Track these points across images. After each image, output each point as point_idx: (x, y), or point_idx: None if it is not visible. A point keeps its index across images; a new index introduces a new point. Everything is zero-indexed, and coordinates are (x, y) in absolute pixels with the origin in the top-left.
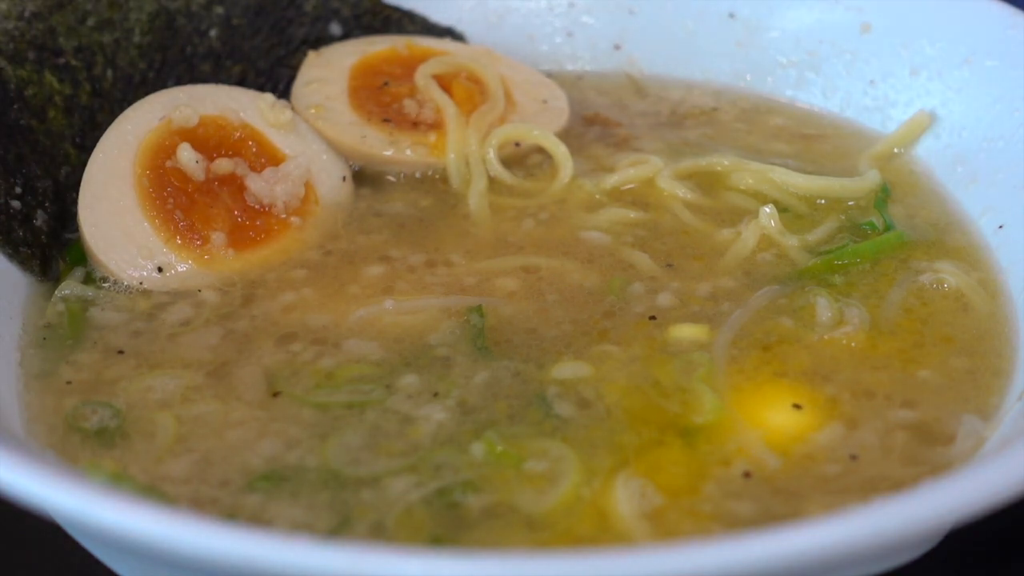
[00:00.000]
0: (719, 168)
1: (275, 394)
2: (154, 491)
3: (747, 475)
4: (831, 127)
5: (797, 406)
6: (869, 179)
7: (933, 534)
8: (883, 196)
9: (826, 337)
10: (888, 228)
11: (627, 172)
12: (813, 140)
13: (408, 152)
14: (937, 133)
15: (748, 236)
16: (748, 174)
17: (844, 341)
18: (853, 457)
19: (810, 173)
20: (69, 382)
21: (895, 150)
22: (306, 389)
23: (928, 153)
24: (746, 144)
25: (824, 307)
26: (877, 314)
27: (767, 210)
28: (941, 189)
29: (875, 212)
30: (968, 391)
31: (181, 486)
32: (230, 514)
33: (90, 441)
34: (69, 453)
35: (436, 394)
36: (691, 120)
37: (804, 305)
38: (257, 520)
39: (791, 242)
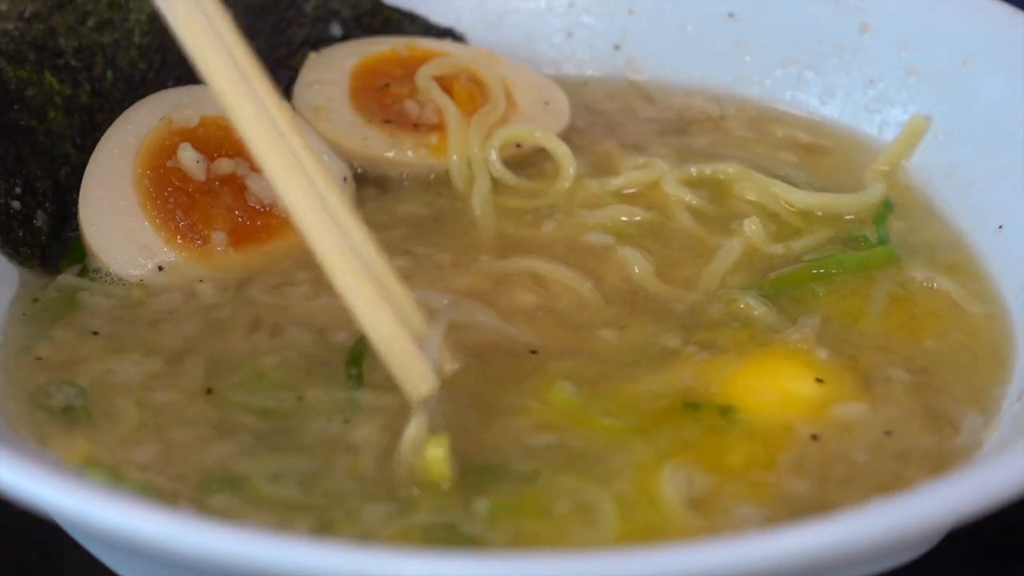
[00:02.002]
0: (723, 176)
1: (208, 391)
2: (120, 477)
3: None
4: (837, 136)
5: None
6: (870, 194)
7: (933, 534)
8: (883, 212)
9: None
10: (883, 242)
11: (632, 175)
12: (819, 152)
13: (410, 154)
14: (936, 133)
15: (732, 246)
16: (750, 184)
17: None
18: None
19: (815, 186)
20: (39, 358)
21: (901, 161)
22: (233, 385)
23: (927, 153)
24: (755, 153)
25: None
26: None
27: (750, 224)
28: (940, 189)
29: (871, 226)
30: (966, 394)
31: (142, 473)
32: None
33: (57, 420)
34: (38, 431)
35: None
36: (697, 127)
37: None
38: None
39: (776, 250)
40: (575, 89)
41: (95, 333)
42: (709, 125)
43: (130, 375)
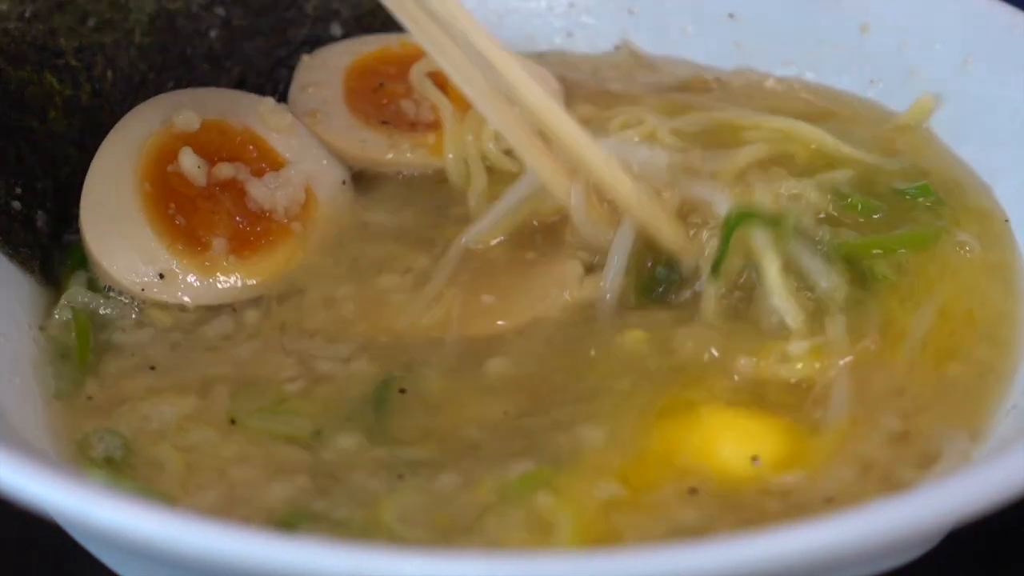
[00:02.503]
0: (730, 123)
1: (232, 421)
2: (120, 477)
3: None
4: (845, 102)
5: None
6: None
7: (933, 534)
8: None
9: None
10: (926, 193)
11: (624, 134)
12: (834, 107)
13: (408, 155)
14: (936, 133)
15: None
16: (766, 132)
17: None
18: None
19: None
20: (90, 397)
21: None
22: (252, 411)
23: None
24: (762, 108)
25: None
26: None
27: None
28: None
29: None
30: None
31: None
32: None
33: (102, 470)
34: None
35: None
36: (699, 86)
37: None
38: None
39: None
40: (575, 64)
41: (135, 370)
42: (711, 85)
43: (167, 419)
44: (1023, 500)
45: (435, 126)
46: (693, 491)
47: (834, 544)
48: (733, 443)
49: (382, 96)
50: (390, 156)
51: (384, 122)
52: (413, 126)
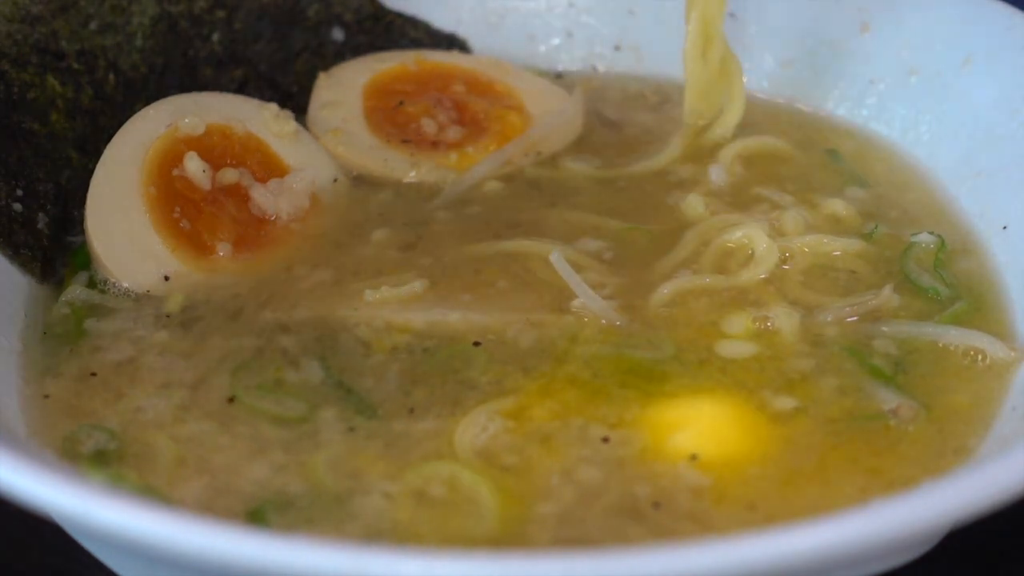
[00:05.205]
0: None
1: (230, 399)
2: (121, 477)
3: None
4: (888, 151)
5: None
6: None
7: (933, 534)
8: (942, 257)
9: None
10: (949, 287)
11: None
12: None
13: (432, 173)
14: (937, 133)
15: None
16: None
17: None
18: None
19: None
20: (68, 402)
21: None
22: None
23: (928, 154)
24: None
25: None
26: None
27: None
28: (941, 190)
29: (934, 272)
30: None
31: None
32: None
33: (90, 464)
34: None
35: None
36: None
37: None
38: None
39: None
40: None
41: (117, 365)
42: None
43: (160, 410)
44: (1023, 500)
45: (456, 144)
46: (606, 440)
47: (834, 544)
48: (683, 435)
49: (401, 115)
50: (413, 175)
51: (405, 141)
52: (435, 145)
